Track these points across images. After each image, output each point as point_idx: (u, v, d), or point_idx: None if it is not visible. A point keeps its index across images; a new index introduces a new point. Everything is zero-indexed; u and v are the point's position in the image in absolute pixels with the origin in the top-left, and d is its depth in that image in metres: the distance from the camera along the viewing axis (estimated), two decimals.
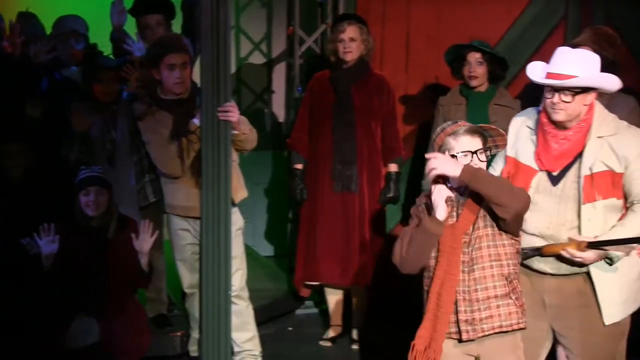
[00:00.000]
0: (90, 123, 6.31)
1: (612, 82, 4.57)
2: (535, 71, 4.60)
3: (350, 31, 6.63)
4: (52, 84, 6.54)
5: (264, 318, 6.92)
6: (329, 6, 7.74)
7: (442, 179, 4.40)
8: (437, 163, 4.32)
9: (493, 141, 4.43)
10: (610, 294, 4.63)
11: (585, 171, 4.53)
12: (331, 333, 6.97)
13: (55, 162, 6.36)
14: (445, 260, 4.40)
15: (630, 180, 4.56)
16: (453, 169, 4.29)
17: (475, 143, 4.38)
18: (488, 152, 4.42)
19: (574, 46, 5.99)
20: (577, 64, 4.48)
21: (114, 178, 6.11)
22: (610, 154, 4.53)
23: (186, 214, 5.92)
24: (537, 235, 4.63)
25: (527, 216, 4.54)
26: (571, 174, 4.58)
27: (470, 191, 4.38)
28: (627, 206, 4.61)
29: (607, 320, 4.64)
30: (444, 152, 4.40)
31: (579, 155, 4.57)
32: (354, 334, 6.89)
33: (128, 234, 5.79)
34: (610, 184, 4.53)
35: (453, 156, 4.37)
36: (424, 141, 7.56)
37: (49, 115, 6.45)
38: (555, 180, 4.60)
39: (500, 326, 4.41)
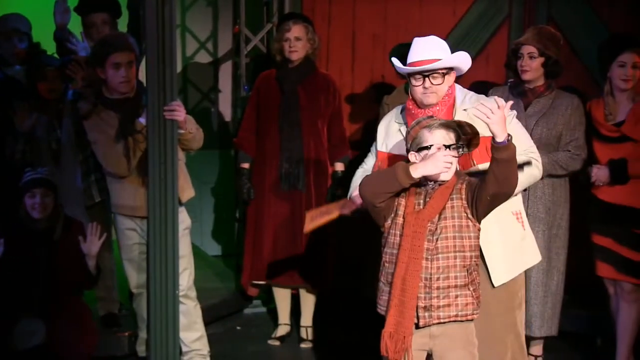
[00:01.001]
0: (33, 122, 6.26)
1: (467, 60, 4.80)
2: (400, 65, 4.79)
3: (295, 30, 6.65)
4: None
5: (212, 317, 6.91)
6: (275, 5, 7.75)
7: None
8: (495, 117, 4.30)
9: (466, 139, 4.47)
10: (495, 256, 4.81)
11: None
12: (280, 332, 6.96)
13: None
14: (408, 244, 4.44)
15: None
16: (501, 131, 4.29)
17: (450, 138, 4.42)
18: (460, 149, 4.46)
19: (518, 45, 6.10)
20: (437, 48, 4.73)
21: (60, 178, 6.08)
22: (478, 121, 4.56)
23: (133, 214, 5.89)
24: None
25: None
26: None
27: (440, 184, 4.45)
28: None
29: (496, 282, 4.82)
30: (417, 145, 4.45)
31: None
32: (303, 332, 6.90)
33: (74, 235, 5.75)
34: (484, 148, 4.63)
35: (425, 148, 4.42)
36: (369, 140, 7.58)
37: None
38: None
39: (456, 315, 4.48)
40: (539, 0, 7.49)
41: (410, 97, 4.82)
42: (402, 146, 4.74)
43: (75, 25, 6.81)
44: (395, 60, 4.83)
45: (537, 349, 6.23)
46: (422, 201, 4.47)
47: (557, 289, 6.15)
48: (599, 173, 5.91)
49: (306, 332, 6.89)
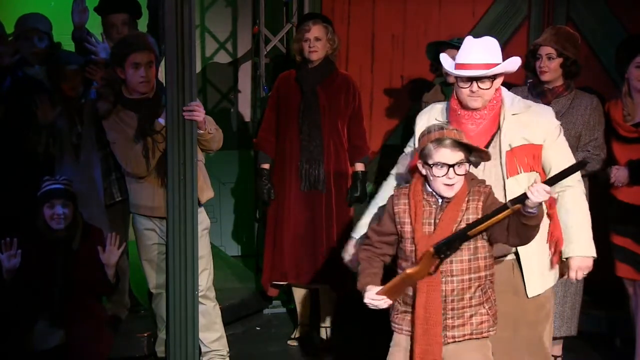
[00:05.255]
0: (56, 115, 6.28)
1: (517, 64, 4.70)
2: (448, 63, 4.69)
3: (315, 30, 6.63)
4: (14, 82, 6.47)
5: (231, 318, 6.92)
6: (294, 5, 7.74)
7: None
8: (544, 198, 4.19)
9: (478, 155, 4.42)
10: (531, 266, 4.78)
11: (505, 147, 4.67)
12: (299, 332, 6.98)
13: (19, 162, 6.31)
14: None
15: (549, 154, 4.73)
16: (537, 206, 4.20)
17: (455, 156, 4.33)
18: (469, 164, 4.38)
19: (536, 46, 6.09)
20: (491, 52, 4.60)
21: (80, 172, 6.14)
22: (527, 128, 4.65)
23: (152, 214, 5.90)
24: None
25: None
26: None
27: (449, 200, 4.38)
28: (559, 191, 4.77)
29: (530, 293, 4.78)
30: (424, 157, 4.37)
31: (495, 134, 4.69)
32: (322, 333, 6.90)
33: (93, 244, 5.74)
34: (531, 157, 4.67)
35: (428, 165, 4.35)
36: (391, 140, 7.61)
37: (11, 114, 6.37)
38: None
39: (471, 334, 4.46)
40: (558, 1, 7.48)
41: (455, 97, 4.72)
42: None
43: (95, 25, 6.82)
44: (444, 61, 4.71)
45: (557, 349, 6.21)
46: (432, 221, 4.41)
47: (576, 290, 6.14)
48: (618, 174, 5.89)
49: (325, 333, 6.89)
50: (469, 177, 4.45)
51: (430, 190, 4.42)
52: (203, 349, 5.99)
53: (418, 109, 6.83)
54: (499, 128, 4.70)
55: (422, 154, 4.39)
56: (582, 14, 7.45)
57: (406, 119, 7.48)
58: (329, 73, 6.73)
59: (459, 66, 4.61)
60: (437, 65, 6.62)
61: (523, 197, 4.19)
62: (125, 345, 6.37)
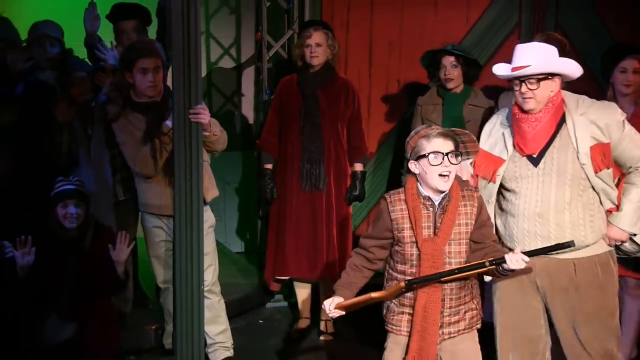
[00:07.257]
0: (74, 114, 6.38)
1: (572, 67, 4.85)
2: (501, 69, 4.85)
3: (316, 37, 6.72)
4: (27, 87, 6.52)
5: (235, 311, 7.01)
6: (295, 13, 7.78)
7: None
8: (521, 266, 4.42)
9: (464, 147, 4.50)
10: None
11: (584, 150, 4.78)
12: (300, 325, 7.04)
13: (32, 165, 6.38)
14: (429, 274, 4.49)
15: (620, 149, 4.88)
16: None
17: (448, 145, 4.41)
18: (459, 156, 4.46)
19: None
20: (531, 54, 4.73)
21: (92, 172, 6.27)
22: (594, 126, 4.79)
23: (159, 212, 5.96)
24: (526, 216, 4.86)
25: (514, 201, 4.82)
26: (550, 152, 4.82)
27: (447, 205, 4.48)
28: (625, 173, 4.95)
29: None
30: (416, 154, 4.44)
31: (554, 135, 4.83)
32: (322, 326, 6.97)
33: (104, 242, 5.81)
34: (602, 155, 4.80)
35: (423, 156, 4.42)
36: (389, 141, 7.71)
37: (25, 117, 6.43)
38: (536, 161, 4.84)
39: (464, 329, 4.60)
40: (548, 8, 7.58)
41: (515, 103, 4.87)
42: (502, 146, 4.88)
43: (107, 31, 6.89)
44: (498, 69, 4.85)
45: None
46: (431, 224, 4.49)
47: None
48: None
49: (325, 326, 6.96)
50: (458, 179, 4.55)
51: (426, 194, 4.49)
52: (208, 341, 6.06)
53: (413, 111, 6.88)
54: (556, 132, 4.82)
55: (414, 152, 4.46)
56: (570, 22, 7.57)
57: (402, 121, 7.57)
58: (329, 77, 6.80)
59: (511, 70, 4.77)
60: (434, 73, 6.72)
61: (501, 261, 4.41)
62: (134, 338, 6.48)
